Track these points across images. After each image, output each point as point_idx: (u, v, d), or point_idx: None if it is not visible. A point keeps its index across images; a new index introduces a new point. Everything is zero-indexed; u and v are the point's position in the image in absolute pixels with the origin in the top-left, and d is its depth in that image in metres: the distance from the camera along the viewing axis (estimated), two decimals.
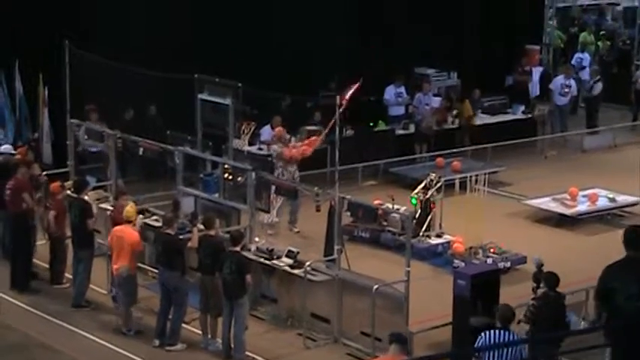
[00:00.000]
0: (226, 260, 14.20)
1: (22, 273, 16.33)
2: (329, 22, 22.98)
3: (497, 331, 11.65)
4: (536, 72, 26.11)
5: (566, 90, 25.23)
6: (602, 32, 31.18)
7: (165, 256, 14.70)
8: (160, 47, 20.55)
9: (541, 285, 13.61)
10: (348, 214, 16.41)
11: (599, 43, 30.34)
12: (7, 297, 16.09)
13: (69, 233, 16.21)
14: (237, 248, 14.37)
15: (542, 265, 14.25)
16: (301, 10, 22.34)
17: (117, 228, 15.14)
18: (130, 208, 15.21)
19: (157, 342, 14.59)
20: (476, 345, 11.58)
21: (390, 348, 10.80)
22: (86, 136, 18.92)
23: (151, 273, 16.46)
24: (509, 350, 11.39)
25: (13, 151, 18.05)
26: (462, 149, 22.64)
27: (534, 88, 25.83)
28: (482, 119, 24.42)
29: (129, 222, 15.06)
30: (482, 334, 11.65)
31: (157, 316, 14.74)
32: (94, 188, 17.48)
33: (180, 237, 14.97)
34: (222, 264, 14.21)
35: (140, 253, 15.31)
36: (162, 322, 14.65)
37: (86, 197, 16.32)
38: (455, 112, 23.43)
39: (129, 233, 14.94)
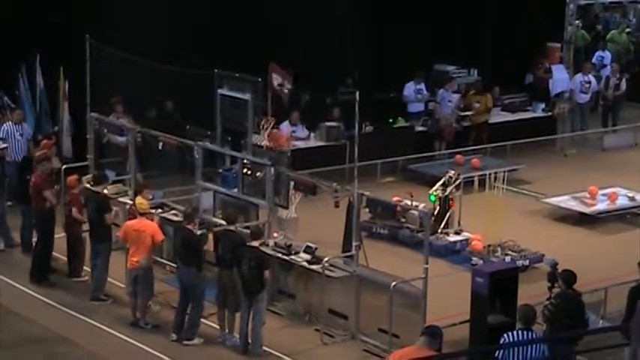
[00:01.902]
0: (245, 256, 14.22)
1: (42, 267, 16.40)
2: (349, 19, 22.97)
3: (519, 332, 11.63)
4: (557, 70, 26.03)
5: (587, 86, 25.16)
6: (627, 30, 31.02)
7: (182, 252, 14.72)
8: (180, 42, 20.61)
9: (555, 284, 13.57)
10: (367, 210, 16.43)
11: (625, 40, 30.21)
12: (26, 289, 16.16)
13: (86, 227, 16.27)
14: (257, 244, 14.38)
15: (556, 264, 14.20)
16: (321, 6, 22.32)
17: (132, 222, 15.16)
18: (141, 201, 15.24)
19: (174, 336, 14.62)
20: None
21: (420, 339, 10.60)
22: (106, 130, 19.02)
23: (169, 267, 16.50)
24: (532, 350, 11.35)
25: (4, 146, 18.14)
26: (482, 147, 22.60)
27: (554, 86, 25.74)
28: (501, 117, 24.37)
29: (142, 214, 15.08)
30: (505, 335, 11.62)
31: (176, 310, 14.77)
32: (114, 182, 17.51)
33: (200, 233, 14.99)
34: (241, 259, 14.23)
35: (160, 244, 15.30)
36: (181, 317, 14.68)
37: (105, 191, 16.39)
38: (477, 104, 23.31)
39: (148, 225, 14.96)
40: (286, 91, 19.93)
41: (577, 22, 28.03)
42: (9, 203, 17.80)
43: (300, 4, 22.01)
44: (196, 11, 21.31)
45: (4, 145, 18.31)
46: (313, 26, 22.06)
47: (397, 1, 23.64)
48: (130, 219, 15.51)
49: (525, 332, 11.65)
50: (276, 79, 19.64)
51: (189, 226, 14.76)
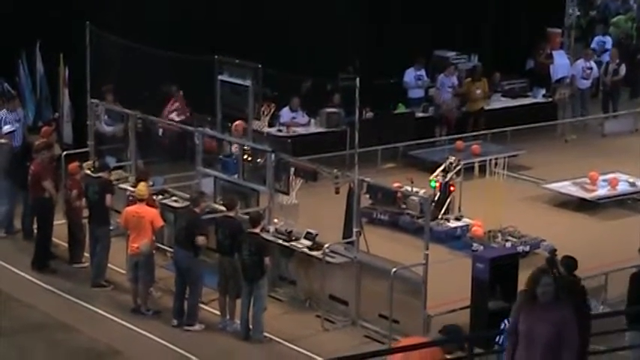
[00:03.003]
0: (245, 242, 14.23)
1: (42, 253, 16.41)
2: (349, 4, 22.93)
3: None
4: (558, 55, 26.00)
5: (588, 72, 25.14)
6: (631, 15, 30.93)
7: (183, 235, 14.70)
8: (179, 28, 20.57)
9: (554, 271, 13.53)
10: (367, 196, 16.42)
11: (628, 26, 30.18)
12: (27, 276, 16.18)
13: (85, 213, 16.28)
14: (257, 230, 14.39)
15: (554, 250, 14.19)
16: None
17: (132, 207, 15.16)
18: (142, 187, 15.24)
19: (175, 322, 14.64)
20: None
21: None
22: (106, 116, 19.02)
23: (170, 254, 16.50)
24: None
25: (12, 129, 18.11)
26: (482, 132, 22.59)
27: (555, 72, 25.72)
28: (502, 102, 24.36)
29: (141, 200, 15.08)
30: (506, 320, 11.61)
31: (174, 296, 14.79)
32: (114, 168, 17.52)
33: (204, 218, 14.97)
34: (241, 245, 14.24)
35: (160, 229, 15.29)
36: (179, 302, 14.70)
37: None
38: (478, 90, 23.27)
39: (147, 211, 14.96)
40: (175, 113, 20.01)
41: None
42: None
43: None
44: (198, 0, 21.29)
45: (12, 129, 18.26)
46: (315, 13, 22.02)
47: None
48: (129, 204, 15.51)
49: None
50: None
51: (196, 209, 14.74)
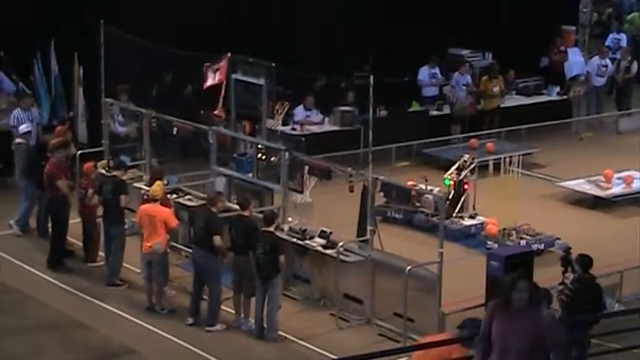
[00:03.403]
0: (259, 240, 14.23)
1: (57, 252, 16.46)
2: (364, 2, 22.92)
3: None
4: (572, 53, 25.94)
5: (603, 69, 25.08)
6: None
7: (202, 234, 14.71)
8: (193, 27, 20.59)
9: (569, 269, 13.53)
10: (382, 194, 16.41)
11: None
12: (42, 275, 16.23)
13: (100, 212, 16.31)
14: (271, 228, 14.39)
15: (569, 249, 14.17)
16: None
17: (146, 206, 15.18)
18: (156, 187, 15.25)
19: (190, 320, 14.65)
20: None
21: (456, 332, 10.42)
22: (121, 115, 19.06)
23: (184, 252, 16.54)
24: None
25: (29, 129, 18.14)
26: (496, 130, 22.55)
27: (569, 69, 25.66)
28: (516, 100, 24.31)
29: (155, 200, 15.09)
30: None
31: (192, 295, 14.80)
32: (128, 167, 17.54)
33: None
34: (256, 244, 14.25)
35: (174, 229, 15.29)
36: (196, 301, 14.72)
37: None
38: (495, 88, 23.21)
39: (159, 210, 14.97)
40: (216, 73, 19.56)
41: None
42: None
43: None
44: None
45: (29, 129, 18.28)
46: (329, 11, 22.01)
47: None
48: (144, 203, 15.53)
49: None
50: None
51: (213, 209, 14.76)
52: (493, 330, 8.68)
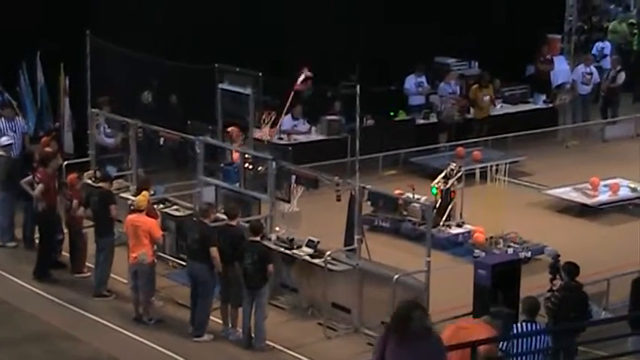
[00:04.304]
0: (247, 250, 14.22)
1: (44, 263, 16.41)
2: (349, 12, 22.95)
3: (523, 324, 11.63)
4: (558, 61, 26.01)
5: (588, 77, 25.16)
6: (631, 21, 30.85)
7: (196, 248, 14.65)
8: (180, 37, 20.61)
9: (557, 276, 13.56)
10: (369, 203, 16.41)
11: (625, 30, 30.11)
12: (29, 286, 16.18)
13: (86, 223, 16.27)
14: (258, 238, 14.38)
15: (558, 256, 14.20)
16: (322, 1, 22.32)
17: (132, 216, 15.14)
18: (141, 197, 15.21)
19: (191, 329, 14.62)
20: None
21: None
22: (107, 126, 19.02)
23: (172, 262, 16.51)
24: (536, 341, 11.36)
25: (10, 142, 18.05)
26: (483, 139, 22.59)
27: (555, 78, 25.73)
28: (503, 109, 24.36)
29: (140, 211, 15.05)
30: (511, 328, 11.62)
31: (191, 308, 14.75)
32: (115, 178, 17.52)
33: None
34: (243, 254, 14.23)
35: (158, 240, 15.24)
36: (193, 313, 14.69)
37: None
38: (486, 97, 23.23)
39: (144, 221, 14.93)
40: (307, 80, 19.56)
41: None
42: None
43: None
44: (198, 5, 21.28)
45: (9, 142, 18.18)
46: (315, 19, 22.04)
47: None
48: (130, 213, 15.50)
49: (529, 324, 11.67)
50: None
51: (206, 220, 14.72)
52: (386, 356, 8.60)
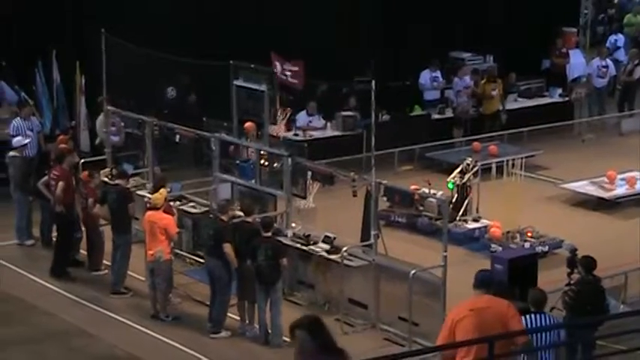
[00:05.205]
0: (260, 247, 14.23)
1: (61, 261, 16.46)
2: (364, 7, 22.94)
3: (532, 316, 11.60)
4: (574, 54, 25.93)
5: (604, 70, 25.05)
6: None
7: (211, 244, 14.69)
8: (195, 34, 20.63)
9: (575, 270, 13.52)
10: (385, 199, 16.41)
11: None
12: (46, 284, 16.24)
13: (102, 221, 16.30)
14: (269, 234, 14.40)
15: (575, 250, 14.16)
16: None
17: (149, 213, 15.18)
18: (158, 195, 15.24)
19: (208, 326, 14.65)
20: None
21: (475, 292, 10.05)
22: (122, 124, 19.02)
23: (189, 259, 16.54)
24: (546, 334, 11.34)
25: (26, 141, 18.05)
26: (499, 133, 22.54)
27: (571, 71, 25.65)
28: (518, 103, 24.30)
29: (157, 208, 15.08)
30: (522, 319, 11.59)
31: (210, 305, 14.78)
32: (132, 175, 17.54)
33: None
34: (256, 251, 14.24)
35: (173, 237, 15.25)
36: (211, 309, 14.73)
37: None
38: (494, 92, 23.14)
39: (160, 218, 14.96)
40: (289, 74, 19.51)
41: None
42: (30, 198, 17.72)
43: None
44: (212, 2, 21.31)
45: (27, 141, 18.20)
46: (329, 16, 22.03)
47: None
48: (147, 210, 15.54)
49: (537, 315, 11.60)
50: (277, 67, 19.40)
51: (224, 217, 14.74)
52: None
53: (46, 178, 16.73)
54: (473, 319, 9.25)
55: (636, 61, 25.52)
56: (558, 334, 11.61)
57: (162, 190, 15.47)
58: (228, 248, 14.37)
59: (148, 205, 15.69)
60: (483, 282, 9.90)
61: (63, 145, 17.46)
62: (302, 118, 21.49)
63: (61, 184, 16.29)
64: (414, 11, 23.40)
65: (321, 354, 7.52)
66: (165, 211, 15.18)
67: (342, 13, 22.35)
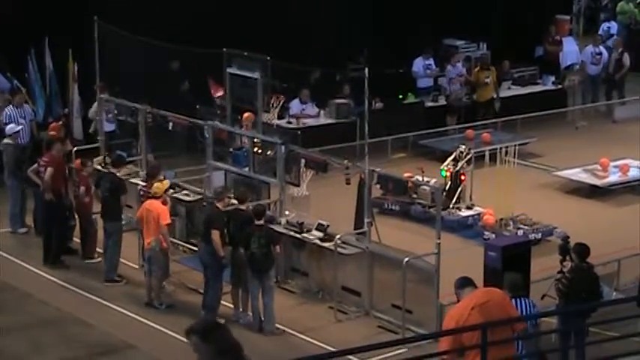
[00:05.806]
0: (253, 235, 14.23)
1: (55, 249, 16.45)
2: None
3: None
4: (567, 42, 25.92)
5: (598, 57, 25.05)
6: (639, 1, 30.66)
7: (203, 230, 14.70)
8: (188, 21, 20.56)
9: (567, 257, 13.54)
10: (378, 186, 16.41)
11: (633, 9, 29.96)
12: (40, 272, 16.23)
13: (95, 209, 16.29)
14: (262, 222, 14.40)
15: (567, 237, 14.17)
16: None
17: (147, 202, 15.21)
18: (160, 184, 15.24)
19: (203, 313, 14.65)
20: None
21: (465, 291, 9.91)
22: (109, 114, 18.97)
23: (182, 247, 16.55)
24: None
25: (18, 129, 18.01)
26: (492, 121, 22.55)
27: (565, 59, 25.65)
28: (512, 90, 24.30)
29: (156, 197, 15.09)
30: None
31: (204, 291, 14.80)
32: (127, 163, 17.51)
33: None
34: (249, 239, 14.24)
35: (168, 227, 15.25)
36: (205, 296, 14.73)
37: (118, 173, 16.39)
38: (487, 79, 23.14)
39: (156, 206, 14.98)
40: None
41: None
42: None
43: None
44: None
45: (19, 128, 18.15)
46: (322, 3, 21.99)
47: None
48: (145, 199, 15.54)
49: (516, 300, 11.60)
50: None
51: (219, 204, 14.74)
52: None
53: (35, 165, 16.69)
54: (479, 316, 9.25)
55: (620, 49, 25.50)
56: (535, 321, 11.62)
57: (165, 181, 15.47)
58: (215, 235, 14.37)
59: (142, 193, 15.69)
60: (467, 280, 9.90)
61: (52, 133, 17.43)
62: (295, 105, 21.47)
63: (49, 170, 16.25)
64: None
65: (216, 358, 7.41)
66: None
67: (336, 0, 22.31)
